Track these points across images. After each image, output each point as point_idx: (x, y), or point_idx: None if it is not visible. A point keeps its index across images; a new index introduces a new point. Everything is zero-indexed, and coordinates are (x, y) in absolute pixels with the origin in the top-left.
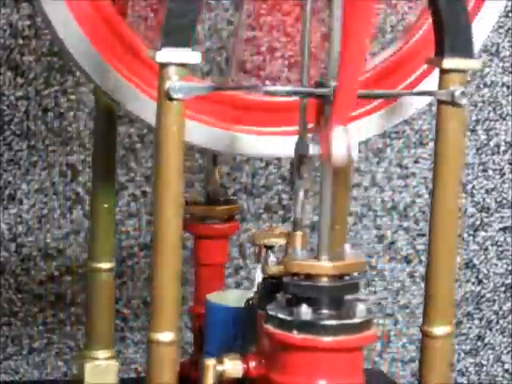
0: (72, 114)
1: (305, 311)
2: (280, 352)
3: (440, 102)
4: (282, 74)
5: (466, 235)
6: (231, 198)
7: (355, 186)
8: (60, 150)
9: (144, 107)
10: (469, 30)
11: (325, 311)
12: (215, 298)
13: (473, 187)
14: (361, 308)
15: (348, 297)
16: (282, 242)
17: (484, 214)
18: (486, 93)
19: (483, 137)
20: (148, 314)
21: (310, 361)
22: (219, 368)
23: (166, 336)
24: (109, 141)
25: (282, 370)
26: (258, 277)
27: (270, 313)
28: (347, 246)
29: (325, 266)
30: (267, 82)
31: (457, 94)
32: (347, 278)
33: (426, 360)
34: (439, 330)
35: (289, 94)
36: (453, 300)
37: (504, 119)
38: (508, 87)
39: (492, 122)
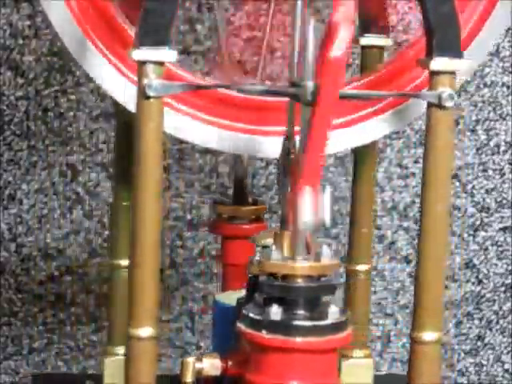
0: (72, 114)
1: (275, 311)
2: (252, 351)
3: (429, 105)
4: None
5: (466, 235)
6: (258, 198)
7: None
8: (60, 150)
9: None
10: (457, 31)
11: (297, 312)
12: (223, 297)
13: (473, 187)
14: (333, 310)
15: (324, 298)
16: None
17: (484, 214)
18: (486, 93)
19: (483, 137)
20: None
21: (280, 361)
22: (198, 365)
23: (145, 331)
24: (130, 146)
25: (254, 369)
26: None
27: (244, 312)
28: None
29: (296, 266)
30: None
31: (444, 96)
32: (323, 279)
33: (416, 366)
34: (428, 335)
35: (262, 92)
36: (441, 306)
37: (504, 119)
38: (508, 87)
39: (492, 122)
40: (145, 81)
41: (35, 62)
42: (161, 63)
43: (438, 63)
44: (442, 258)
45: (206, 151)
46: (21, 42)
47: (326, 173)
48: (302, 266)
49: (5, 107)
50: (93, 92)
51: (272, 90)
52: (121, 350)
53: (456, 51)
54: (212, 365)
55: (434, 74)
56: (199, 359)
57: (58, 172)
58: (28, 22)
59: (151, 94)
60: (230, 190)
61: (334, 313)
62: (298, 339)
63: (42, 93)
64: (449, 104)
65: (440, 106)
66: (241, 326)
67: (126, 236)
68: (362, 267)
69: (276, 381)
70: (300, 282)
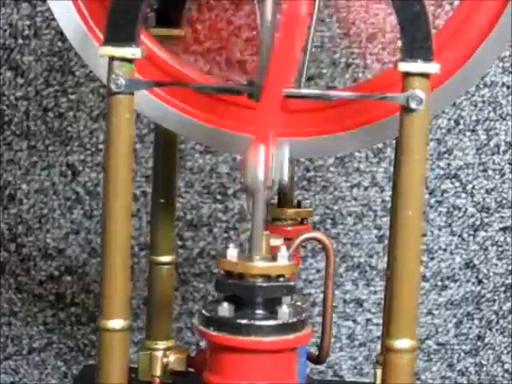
0: (72, 114)
1: (223, 309)
2: (207, 348)
3: (400, 108)
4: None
5: (465, 235)
6: (304, 201)
7: (355, 186)
8: (60, 149)
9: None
10: (427, 32)
11: (248, 311)
12: None
13: (473, 187)
14: (284, 310)
15: (282, 298)
16: (280, 241)
17: (484, 214)
18: (486, 93)
19: (483, 137)
20: (147, 314)
21: (228, 360)
22: (165, 360)
23: (116, 323)
24: (166, 149)
25: (208, 367)
26: None
27: (200, 308)
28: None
29: (249, 265)
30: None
31: (411, 98)
32: (282, 279)
33: (389, 374)
34: (401, 343)
35: (218, 90)
36: (416, 313)
37: (504, 119)
38: (508, 87)
39: (492, 122)
40: (111, 77)
41: (35, 62)
42: (128, 60)
43: (407, 65)
44: (415, 264)
45: (206, 151)
46: (21, 41)
47: (325, 173)
48: (255, 265)
49: (5, 107)
50: (93, 92)
51: (227, 87)
52: (160, 344)
53: (425, 53)
54: (178, 360)
55: (404, 75)
56: (166, 354)
57: (58, 172)
58: (28, 22)
59: (115, 90)
60: (230, 190)
61: (284, 313)
62: (243, 338)
63: (42, 93)
64: (415, 106)
65: (408, 109)
66: (196, 322)
67: (165, 232)
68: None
69: (226, 380)
70: (252, 281)
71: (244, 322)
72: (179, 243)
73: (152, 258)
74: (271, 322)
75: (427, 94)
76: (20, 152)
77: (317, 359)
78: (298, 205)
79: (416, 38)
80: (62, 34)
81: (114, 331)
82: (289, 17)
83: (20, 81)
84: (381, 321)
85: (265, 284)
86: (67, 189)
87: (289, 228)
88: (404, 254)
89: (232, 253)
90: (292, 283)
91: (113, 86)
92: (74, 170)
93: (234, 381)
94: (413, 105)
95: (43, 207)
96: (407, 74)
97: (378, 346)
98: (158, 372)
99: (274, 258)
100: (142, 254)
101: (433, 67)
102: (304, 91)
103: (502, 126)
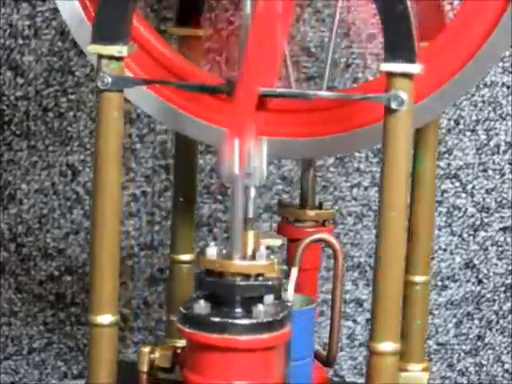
0: (72, 114)
1: (199, 307)
2: (186, 346)
3: (384, 108)
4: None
5: (466, 235)
6: (326, 203)
7: (355, 186)
8: (60, 149)
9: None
10: (410, 32)
11: (223, 309)
12: None
13: (473, 187)
14: (259, 309)
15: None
16: (280, 242)
17: (484, 214)
18: (486, 93)
19: (483, 137)
20: (148, 314)
21: (203, 357)
22: (152, 356)
23: (105, 318)
24: (188, 157)
25: (187, 364)
26: None
27: (179, 306)
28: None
29: (228, 263)
30: None
31: (392, 99)
32: (261, 278)
33: (372, 376)
34: (385, 346)
35: (196, 89)
36: (399, 316)
37: (504, 119)
38: (508, 87)
39: (492, 122)
40: (99, 74)
41: (35, 62)
42: (116, 58)
43: (389, 65)
44: (398, 266)
45: (206, 151)
46: (21, 41)
47: (325, 173)
48: (233, 263)
49: (5, 107)
50: (93, 92)
51: (205, 86)
52: (177, 343)
53: (407, 53)
54: (163, 357)
55: (386, 75)
56: (153, 350)
57: (58, 172)
58: (28, 22)
59: (102, 87)
60: (230, 190)
61: (259, 312)
62: (217, 336)
63: (42, 93)
64: (397, 107)
65: (390, 110)
66: (176, 320)
67: (185, 231)
68: (419, 278)
69: (203, 378)
70: (231, 279)
71: (217, 319)
72: None
73: (172, 256)
74: (245, 321)
75: (410, 95)
76: (20, 152)
77: (325, 360)
78: (320, 206)
79: (398, 38)
80: (62, 33)
81: (103, 326)
82: (263, 12)
83: (20, 81)
84: None
85: (243, 283)
86: (67, 189)
87: (311, 229)
88: (388, 256)
89: (212, 251)
90: (271, 282)
91: (99, 84)
92: (74, 170)
93: (210, 380)
94: (394, 105)
95: (43, 207)
96: (390, 75)
97: None
98: (145, 368)
99: (253, 257)
100: (142, 254)
101: (415, 68)
102: (279, 90)
103: (502, 126)
